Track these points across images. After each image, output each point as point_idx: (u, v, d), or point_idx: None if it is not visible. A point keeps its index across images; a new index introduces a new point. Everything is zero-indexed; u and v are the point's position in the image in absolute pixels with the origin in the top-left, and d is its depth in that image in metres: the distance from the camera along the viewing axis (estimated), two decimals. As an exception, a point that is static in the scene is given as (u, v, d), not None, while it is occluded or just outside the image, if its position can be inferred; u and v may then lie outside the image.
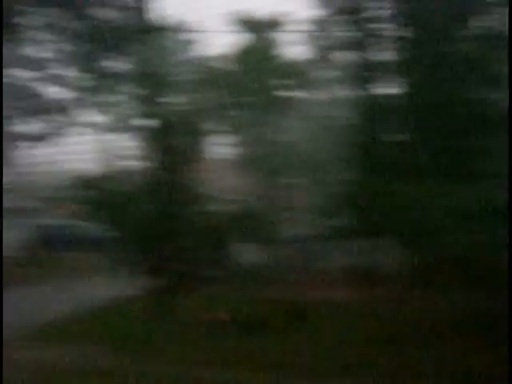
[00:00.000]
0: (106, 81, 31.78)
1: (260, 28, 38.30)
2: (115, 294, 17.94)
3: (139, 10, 23.43)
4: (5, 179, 58.69)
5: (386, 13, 20.85)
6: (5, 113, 64.77)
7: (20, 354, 11.24)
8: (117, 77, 35.79)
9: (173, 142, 20.54)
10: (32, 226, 36.16)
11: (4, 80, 63.48)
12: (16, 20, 26.16)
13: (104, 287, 19.01)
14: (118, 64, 49.00)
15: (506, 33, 15.85)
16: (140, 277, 18.31)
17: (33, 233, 35.42)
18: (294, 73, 36.83)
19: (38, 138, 70.02)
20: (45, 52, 43.91)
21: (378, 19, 21.03)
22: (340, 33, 24.55)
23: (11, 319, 15.68)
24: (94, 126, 72.40)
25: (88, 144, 76.65)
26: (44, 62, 62.05)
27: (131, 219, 19.48)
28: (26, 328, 13.79)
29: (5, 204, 37.86)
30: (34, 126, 69.34)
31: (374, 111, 20.06)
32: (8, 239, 34.13)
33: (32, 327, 13.81)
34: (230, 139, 68.90)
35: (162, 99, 41.61)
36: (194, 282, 17.96)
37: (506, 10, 16.05)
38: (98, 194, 20.30)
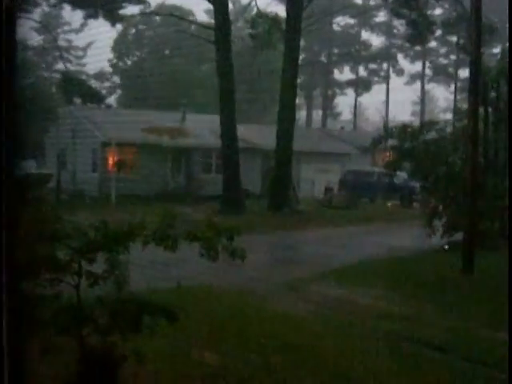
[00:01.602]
0: (429, 29, 31.14)
1: None
2: (419, 244, 17.98)
3: None
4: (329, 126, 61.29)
5: None
6: (333, 59, 67.13)
7: (314, 290, 11.96)
8: (441, 25, 34.86)
9: (497, 95, 19.57)
10: (346, 172, 37.52)
11: (333, 28, 65.56)
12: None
13: (410, 236, 19.12)
14: (441, 11, 47.76)
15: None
16: (449, 230, 18.15)
17: (345, 177, 36.78)
18: None
19: (364, 85, 71.92)
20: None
21: None
22: None
23: (311, 257, 16.72)
24: (417, 76, 72.03)
25: (409, 93, 76.55)
26: (369, 9, 63.12)
27: (445, 172, 19.27)
28: (325, 267, 14.53)
29: (328, 149, 39.82)
30: (359, 73, 71.48)
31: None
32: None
33: (333, 267, 14.51)
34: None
35: (489, 49, 39.45)
36: (500, 241, 17.18)
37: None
38: (413, 144, 20.33)
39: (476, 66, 14.65)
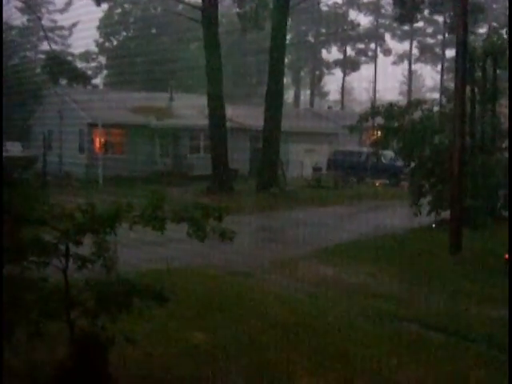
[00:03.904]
0: (417, 8, 31.01)
1: None
2: (407, 222, 18.07)
3: None
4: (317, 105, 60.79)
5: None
6: (320, 39, 66.70)
7: (303, 269, 11.97)
8: (428, 4, 34.71)
9: (483, 74, 19.60)
10: (335, 152, 37.47)
11: (321, 7, 65.21)
12: None
13: (398, 215, 19.20)
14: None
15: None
16: (435, 209, 18.27)
17: (333, 157, 36.72)
18: None
19: (352, 65, 71.76)
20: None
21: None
22: None
23: (300, 237, 16.73)
24: (404, 55, 71.96)
25: (397, 73, 76.46)
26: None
27: (431, 151, 19.31)
28: (314, 246, 14.56)
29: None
30: (347, 53, 71.23)
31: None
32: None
33: (322, 246, 14.54)
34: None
35: (476, 29, 39.26)
36: (487, 219, 17.28)
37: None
38: (400, 123, 20.33)
39: (462, 45, 14.65)
